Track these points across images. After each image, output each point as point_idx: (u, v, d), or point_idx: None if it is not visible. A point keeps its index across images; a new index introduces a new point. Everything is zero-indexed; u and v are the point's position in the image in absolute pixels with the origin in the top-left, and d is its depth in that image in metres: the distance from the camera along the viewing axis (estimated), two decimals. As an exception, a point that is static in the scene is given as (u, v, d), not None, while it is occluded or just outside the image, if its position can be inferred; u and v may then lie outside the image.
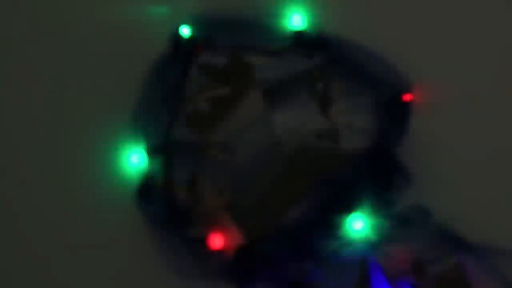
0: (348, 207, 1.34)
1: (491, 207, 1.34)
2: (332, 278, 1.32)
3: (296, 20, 1.40)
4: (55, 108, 1.45)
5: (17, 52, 1.48)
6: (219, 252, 1.35)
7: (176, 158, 1.39)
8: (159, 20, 1.42)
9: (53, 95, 1.45)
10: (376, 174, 1.35)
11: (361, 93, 1.39)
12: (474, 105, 1.38)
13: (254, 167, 1.38)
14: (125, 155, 1.40)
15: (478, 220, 1.32)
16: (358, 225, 1.33)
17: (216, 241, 1.35)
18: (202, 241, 1.35)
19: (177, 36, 1.40)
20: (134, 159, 1.39)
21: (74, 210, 1.41)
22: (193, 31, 1.41)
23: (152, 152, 1.39)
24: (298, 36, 1.40)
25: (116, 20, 1.46)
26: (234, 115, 1.41)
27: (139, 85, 1.39)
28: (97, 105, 1.43)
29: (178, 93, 1.41)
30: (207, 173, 1.38)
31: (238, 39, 1.41)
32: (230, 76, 1.42)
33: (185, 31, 1.41)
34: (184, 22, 1.40)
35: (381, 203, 1.34)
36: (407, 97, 1.37)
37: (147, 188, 1.37)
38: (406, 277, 1.30)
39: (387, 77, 1.38)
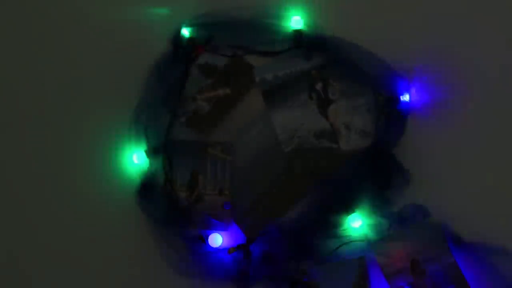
0: (347, 207, 1.35)
1: (488, 207, 1.35)
2: (331, 277, 1.32)
3: (295, 21, 1.40)
4: (56, 108, 1.45)
5: (18, 53, 1.48)
6: (219, 251, 1.36)
7: (176, 158, 1.39)
8: (160, 21, 1.42)
9: (54, 95, 1.46)
10: (374, 174, 1.36)
11: (360, 94, 1.40)
12: (471, 106, 1.39)
13: (254, 167, 1.39)
14: (126, 154, 1.40)
15: (475, 220, 1.33)
16: (356, 224, 1.34)
17: (216, 240, 1.36)
18: (202, 240, 1.36)
19: (177, 37, 1.41)
20: (135, 159, 1.39)
21: (74, 209, 1.41)
22: (194, 31, 1.41)
23: (153, 152, 1.39)
24: (298, 37, 1.40)
25: (117, 21, 1.46)
26: (234, 115, 1.41)
27: (140, 85, 1.40)
28: (98, 105, 1.43)
29: (178, 93, 1.41)
30: (207, 173, 1.39)
31: (238, 40, 1.41)
32: (230, 76, 1.42)
33: (186, 32, 1.41)
34: (184, 23, 1.41)
35: (380, 202, 1.35)
36: (405, 97, 1.38)
37: (147, 187, 1.38)
38: (404, 276, 1.31)
39: (385, 78, 1.38)
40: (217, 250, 1.36)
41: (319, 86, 1.41)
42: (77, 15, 1.47)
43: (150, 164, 1.39)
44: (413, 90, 1.38)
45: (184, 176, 1.39)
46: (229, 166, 1.39)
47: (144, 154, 1.39)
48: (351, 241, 1.33)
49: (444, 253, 1.30)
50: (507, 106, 1.39)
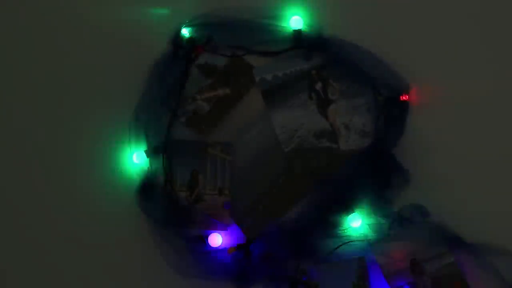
0: (347, 206, 1.35)
1: (488, 207, 1.35)
2: (331, 277, 1.32)
3: (295, 21, 1.40)
4: (56, 108, 1.45)
5: (18, 53, 1.48)
6: (219, 251, 1.36)
7: (176, 158, 1.40)
8: (160, 21, 1.42)
9: (54, 95, 1.46)
10: (374, 174, 1.36)
11: (360, 94, 1.40)
12: (470, 105, 1.39)
13: (254, 167, 1.39)
14: (126, 154, 1.40)
15: (475, 219, 1.33)
16: (356, 224, 1.34)
17: (216, 240, 1.36)
18: (202, 240, 1.36)
19: (177, 37, 1.41)
20: (135, 159, 1.39)
21: (74, 209, 1.42)
22: (194, 32, 1.41)
23: (153, 152, 1.39)
24: (298, 37, 1.40)
25: (117, 21, 1.46)
26: (234, 115, 1.41)
27: (140, 85, 1.40)
28: (99, 105, 1.43)
29: (178, 93, 1.41)
30: (207, 173, 1.39)
31: (238, 40, 1.41)
32: (230, 76, 1.42)
33: (186, 32, 1.41)
34: (184, 23, 1.41)
35: (379, 202, 1.35)
36: (404, 97, 1.38)
37: (147, 187, 1.38)
38: (404, 276, 1.31)
39: (385, 78, 1.38)
40: (217, 250, 1.36)
41: (319, 86, 1.41)
42: (77, 15, 1.47)
43: (150, 164, 1.39)
44: (413, 90, 1.38)
45: (184, 176, 1.39)
46: (229, 166, 1.39)
47: (144, 154, 1.39)
48: (351, 241, 1.33)
49: (444, 253, 1.30)
50: (507, 106, 1.39)
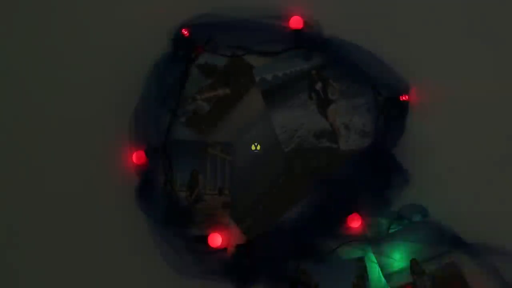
0: (347, 207, 1.35)
1: (488, 207, 1.35)
2: (331, 277, 1.32)
3: (295, 21, 1.40)
4: (56, 108, 1.45)
5: (18, 53, 1.48)
6: (219, 251, 1.36)
7: (176, 158, 1.40)
8: (160, 21, 1.42)
9: (54, 95, 1.46)
10: (374, 174, 1.36)
11: (360, 94, 1.40)
12: (470, 105, 1.39)
13: (254, 167, 1.39)
14: (126, 154, 1.40)
15: (475, 219, 1.33)
16: (356, 224, 1.34)
17: (216, 240, 1.36)
18: (201, 240, 1.36)
19: (177, 37, 1.41)
20: (135, 159, 1.39)
21: (74, 209, 1.42)
22: (194, 31, 1.41)
23: (153, 152, 1.39)
24: (298, 37, 1.40)
25: (117, 21, 1.46)
26: (234, 115, 1.41)
27: (140, 85, 1.40)
28: (98, 105, 1.43)
29: (178, 93, 1.41)
30: (207, 173, 1.39)
31: (238, 40, 1.41)
32: (230, 76, 1.42)
33: (186, 32, 1.41)
34: (184, 23, 1.41)
35: (379, 202, 1.35)
36: (404, 97, 1.38)
37: (148, 187, 1.38)
38: (404, 276, 1.31)
39: (385, 78, 1.38)
40: (217, 250, 1.36)
41: (319, 86, 1.41)
42: (77, 15, 1.48)
43: (150, 164, 1.39)
44: (413, 90, 1.38)
45: (184, 176, 1.39)
46: (229, 166, 1.39)
47: (144, 154, 1.39)
48: (351, 241, 1.33)
49: (444, 253, 1.30)
50: (507, 106, 1.39)
